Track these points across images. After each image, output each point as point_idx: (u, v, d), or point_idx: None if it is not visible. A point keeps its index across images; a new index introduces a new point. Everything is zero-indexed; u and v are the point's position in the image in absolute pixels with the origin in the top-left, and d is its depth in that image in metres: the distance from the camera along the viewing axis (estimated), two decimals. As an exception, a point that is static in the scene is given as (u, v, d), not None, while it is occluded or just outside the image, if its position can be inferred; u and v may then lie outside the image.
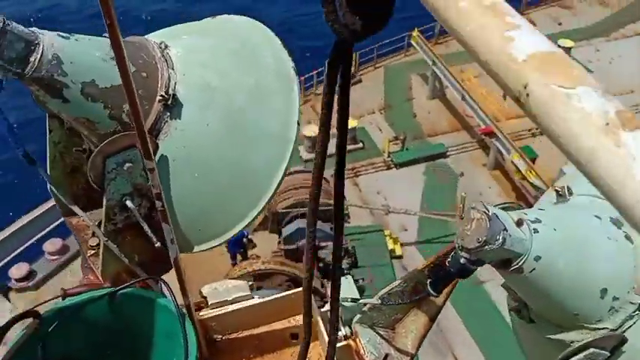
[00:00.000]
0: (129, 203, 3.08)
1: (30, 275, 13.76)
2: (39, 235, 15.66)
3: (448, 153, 21.36)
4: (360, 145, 21.28)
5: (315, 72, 22.33)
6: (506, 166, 20.33)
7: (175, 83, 3.10)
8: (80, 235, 3.62)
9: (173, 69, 3.13)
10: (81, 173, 3.47)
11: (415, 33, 23.42)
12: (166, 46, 3.21)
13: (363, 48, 24.13)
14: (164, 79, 3.07)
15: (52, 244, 15.05)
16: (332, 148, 1.57)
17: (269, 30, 3.59)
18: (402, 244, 17.85)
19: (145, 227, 3.11)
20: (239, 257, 15.87)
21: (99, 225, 3.23)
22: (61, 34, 2.85)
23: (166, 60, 3.14)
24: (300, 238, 13.95)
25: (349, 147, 21.15)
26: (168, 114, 3.09)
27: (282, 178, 3.38)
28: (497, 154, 20.41)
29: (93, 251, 3.46)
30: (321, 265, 13.14)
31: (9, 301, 15.53)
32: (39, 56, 2.69)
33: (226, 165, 3.32)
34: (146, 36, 3.41)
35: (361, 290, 15.25)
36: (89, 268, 3.44)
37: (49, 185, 3.46)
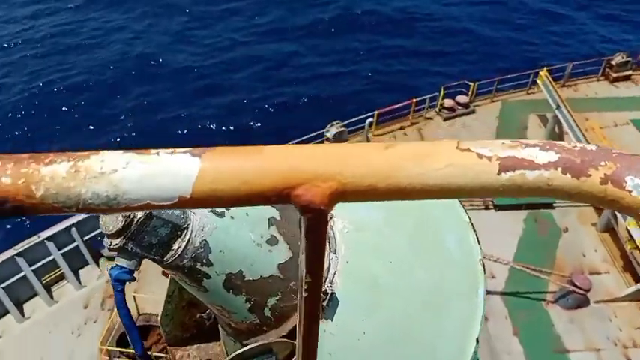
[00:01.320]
0: None
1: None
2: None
3: (555, 204, 19.84)
4: (461, 178, 20.39)
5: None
6: (619, 231, 18.51)
7: (335, 273, 2.52)
8: None
9: (336, 253, 2.56)
10: (195, 307, 3.25)
11: (543, 72, 22.06)
12: (331, 217, 2.63)
13: (482, 79, 23.14)
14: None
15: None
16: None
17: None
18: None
19: None
20: None
21: None
22: (216, 210, 2.33)
23: (329, 240, 2.56)
24: None
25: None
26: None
27: None
28: (610, 217, 18.67)
29: None
30: None
31: (98, 266, 16.56)
32: (184, 243, 2.31)
33: None
34: None
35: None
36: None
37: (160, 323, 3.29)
